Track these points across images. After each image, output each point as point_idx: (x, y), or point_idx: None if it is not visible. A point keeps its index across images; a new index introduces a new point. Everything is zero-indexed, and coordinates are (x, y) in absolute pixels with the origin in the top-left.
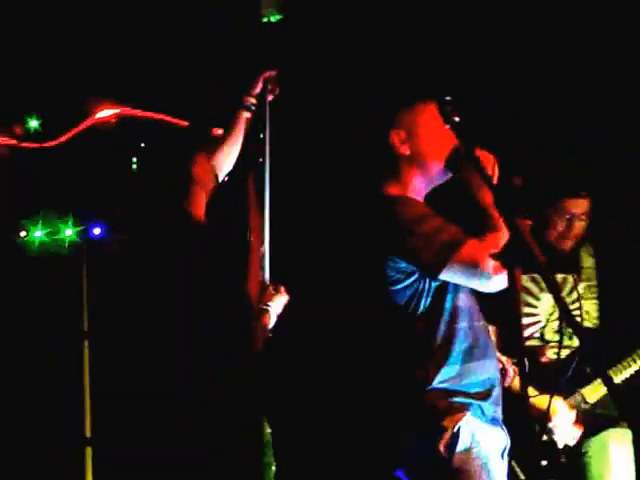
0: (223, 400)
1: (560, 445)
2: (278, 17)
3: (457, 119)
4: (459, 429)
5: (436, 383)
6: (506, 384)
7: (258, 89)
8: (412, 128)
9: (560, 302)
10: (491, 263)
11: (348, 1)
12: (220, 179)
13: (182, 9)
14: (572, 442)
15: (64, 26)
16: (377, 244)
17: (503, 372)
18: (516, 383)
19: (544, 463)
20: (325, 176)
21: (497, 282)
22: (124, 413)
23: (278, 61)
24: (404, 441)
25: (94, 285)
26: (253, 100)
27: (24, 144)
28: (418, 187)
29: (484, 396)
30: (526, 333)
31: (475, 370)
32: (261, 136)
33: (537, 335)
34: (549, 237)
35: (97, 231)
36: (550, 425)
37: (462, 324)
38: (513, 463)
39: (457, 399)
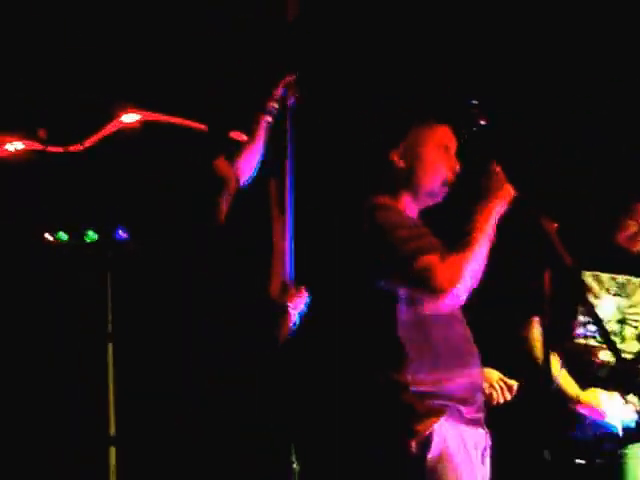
0: (248, 400)
1: (619, 429)
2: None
3: (483, 122)
4: (431, 434)
5: (414, 387)
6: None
7: (279, 93)
8: (414, 145)
9: (587, 306)
10: (441, 281)
11: (370, 6)
12: (242, 183)
13: (203, 13)
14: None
15: (88, 30)
16: (356, 245)
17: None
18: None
19: (581, 462)
20: (342, 180)
21: (444, 302)
22: (148, 412)
23: (299, 65)
24: (380, 443)
25: (118, 287)
26: (274, 104)
27: (49, 148)
28: (406, 203)
29: (464, 401)
30: (582, 331)
31: (455, 378)
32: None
33: (591, 334)
34: (618, 239)
35: (122, 233)
36: (607, 418)
37: (440, 332)
38: (546, 454)
39: (436, 401)
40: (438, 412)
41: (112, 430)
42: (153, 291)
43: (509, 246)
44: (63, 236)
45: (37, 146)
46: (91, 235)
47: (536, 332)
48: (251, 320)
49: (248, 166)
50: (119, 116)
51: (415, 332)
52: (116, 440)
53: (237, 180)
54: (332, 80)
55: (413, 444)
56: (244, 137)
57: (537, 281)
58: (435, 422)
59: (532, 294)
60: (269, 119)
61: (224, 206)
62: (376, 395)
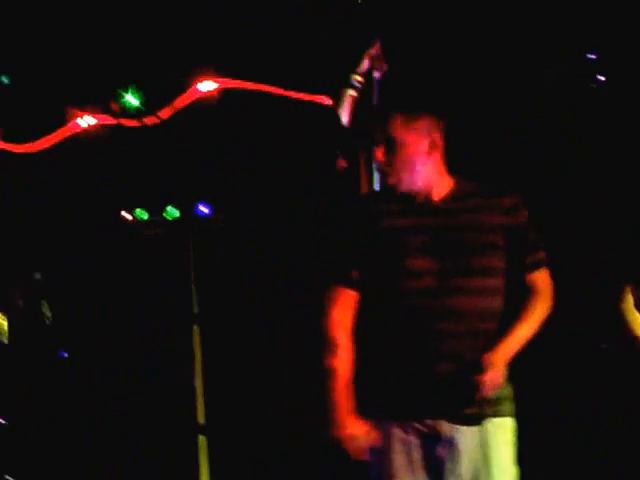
0: None
1: None
2: None
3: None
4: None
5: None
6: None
7: (365, 67)
8: None
9: None
10: (328, 316)
11: None
12: None
13: None
14: None
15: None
16: None
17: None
18: None
19: None
20: None
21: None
22: (238, 399)
23: (384, 37)
24: None
25: (203, 266)
26: (359, 78)
27: (124, 122)
28: None
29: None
30: None
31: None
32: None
33: None
34: None
35: (204, 209)
36: None
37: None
38: None
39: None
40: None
41: (201, 419)
42: (239, 268)
43: (605, 216)
44: (142, 214)
45: (110, 120)
46: (171, 211)
47: (630, 302)
48: None
49: None
50: (194, 85)
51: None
52: (205, 428)
53: None
54: (418, 51)
55: None
56: (329, 101)
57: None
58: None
59: (626, 263)
60: (353, 93)
61: None
62: None
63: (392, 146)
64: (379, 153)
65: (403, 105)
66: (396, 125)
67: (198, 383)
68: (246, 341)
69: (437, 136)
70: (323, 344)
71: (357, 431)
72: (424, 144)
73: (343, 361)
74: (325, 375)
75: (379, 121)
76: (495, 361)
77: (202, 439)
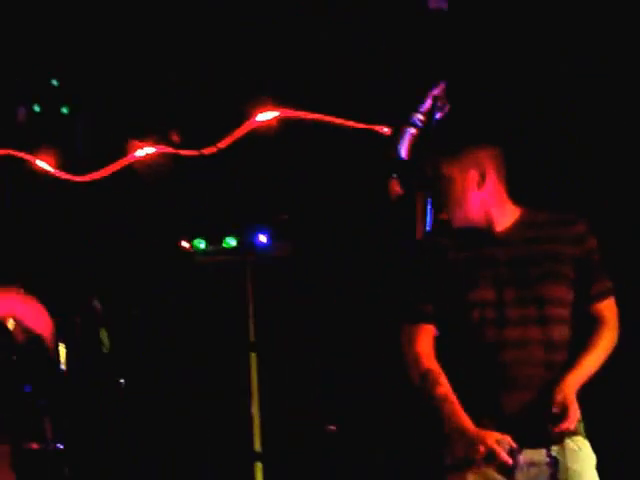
0: None
1: None
2: None
3: None
4: None
5: None
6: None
7: (427, 106)
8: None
9: None
10: (413, 351)
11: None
12: None
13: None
14: None
15: (220, 26)
16: None
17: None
18: None
19: None
20: None
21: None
22: (295, 427)
23: (448, 76)
24: None
25: (260, 294)
26: (421, 117)
27: (183, 152)
28: None
29: None
30: None
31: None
32: None
33: None
34: None
35: (262, 239)
36: None
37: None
38: None
39: None
40: None
41: (257, 445)
42: (296, 296)
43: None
44: (200, 243)
45: (169, 150)
46: (229, 241)
47: None
48: None
49: None
50: (255, 115)
51: None
52: (262, 456)
53: None
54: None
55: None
56: (387, 130)
57: None
58: None
59: None
60: (413, 131)
61: None
62: None
63: (440, 183)
64: (420, 196)
65: (444, 141)
66: (440, 162)
67: (255, 411)
68: (303, 369)
69: (489, 166)
70: (417, 379)
71: (493, 437)
72: (472, 177)
73: (446, 385)
74: (435, 405)
75: (425, 160)
76: (570, 398)
77: (259, 466)
